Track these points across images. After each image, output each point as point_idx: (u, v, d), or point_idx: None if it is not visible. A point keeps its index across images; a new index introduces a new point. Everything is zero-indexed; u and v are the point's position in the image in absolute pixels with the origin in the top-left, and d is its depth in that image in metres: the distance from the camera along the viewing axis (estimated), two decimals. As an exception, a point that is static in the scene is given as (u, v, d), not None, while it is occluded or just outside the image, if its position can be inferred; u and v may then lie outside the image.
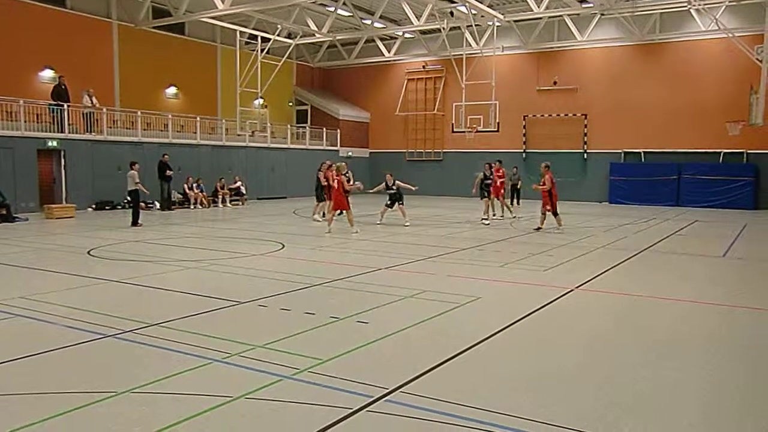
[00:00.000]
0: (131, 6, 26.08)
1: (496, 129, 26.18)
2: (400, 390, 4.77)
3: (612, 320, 7.43)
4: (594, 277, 9.79)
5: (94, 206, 22.18)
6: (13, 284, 8.98)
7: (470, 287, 8.85)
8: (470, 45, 28.22)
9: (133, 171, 17.32)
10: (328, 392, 4.73)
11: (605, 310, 7.93)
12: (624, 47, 28.99)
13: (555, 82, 30.51)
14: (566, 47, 30.21)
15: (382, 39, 33.69)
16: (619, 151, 29.23)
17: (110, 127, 23.51)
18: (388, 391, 4.73)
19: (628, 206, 26.83)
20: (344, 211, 16.18)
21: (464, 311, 7.52)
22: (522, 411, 4.42)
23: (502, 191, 19.71)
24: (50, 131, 21.33)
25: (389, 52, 33.93)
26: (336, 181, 15.62)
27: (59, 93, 21.92)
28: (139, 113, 24.37)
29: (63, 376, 5.19)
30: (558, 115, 30.60)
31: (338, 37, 31.69)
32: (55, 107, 21.51)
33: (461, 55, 27.58)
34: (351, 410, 4.37)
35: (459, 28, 28.43)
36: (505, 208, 20.27)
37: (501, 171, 19.53)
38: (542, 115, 31.00)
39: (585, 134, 30.01)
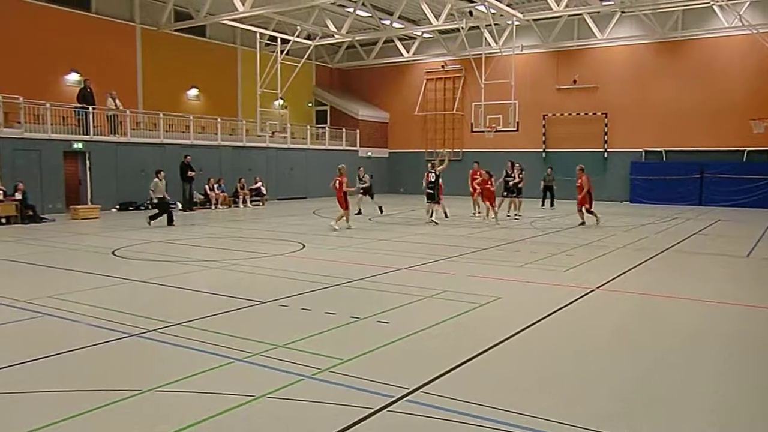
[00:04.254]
0: (154, 9, 26.41)
1: (515, 128, 26.02)
2: (421, 390, 4.80)
3: (633, 321, 7.38)
4: (615, 278, 9.73)
5: (118, 207, 22.52)
6: (41, 283, 9.18)
7: (490, 287, 8.84)
8: (489, 44, 28.07)
9: (156, 180, 17.45)
10: (348, 392, 4.78)
11: (626, 311, 7.88)
12: (645, 45, 28.62)
13: (575, 81, 30.24)
14: (586, 46, 29.93)
15: (401, 39, 33.69)
16: (640, 150, 28.89)
17: (133, 129, 23.84)
18: (408, 391, 4.77)
19: (649, 206, 26.50)
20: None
21: (485, 311, 7.52)
22: (543, 411, 4.43)
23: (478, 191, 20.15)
24: (76, 133, 21.71)
25: (408, 52, 33.91)
26: (338, 182, 16.47)
27: (85, 96, 22.31)
28: (161, 115, 24.69)
29: (89, 373, 5.32)
30: (578, 114, 30.32)
31: (357, 38, 31.75)
32: (81, 110, 21.89)
33: (480, 54, 27.43)
34: (372, 410, 4.41)
35: (478, 27, 28.30)
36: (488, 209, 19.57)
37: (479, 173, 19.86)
38: (562, 114, 30.75)
39: (605, 133, 29.69)
